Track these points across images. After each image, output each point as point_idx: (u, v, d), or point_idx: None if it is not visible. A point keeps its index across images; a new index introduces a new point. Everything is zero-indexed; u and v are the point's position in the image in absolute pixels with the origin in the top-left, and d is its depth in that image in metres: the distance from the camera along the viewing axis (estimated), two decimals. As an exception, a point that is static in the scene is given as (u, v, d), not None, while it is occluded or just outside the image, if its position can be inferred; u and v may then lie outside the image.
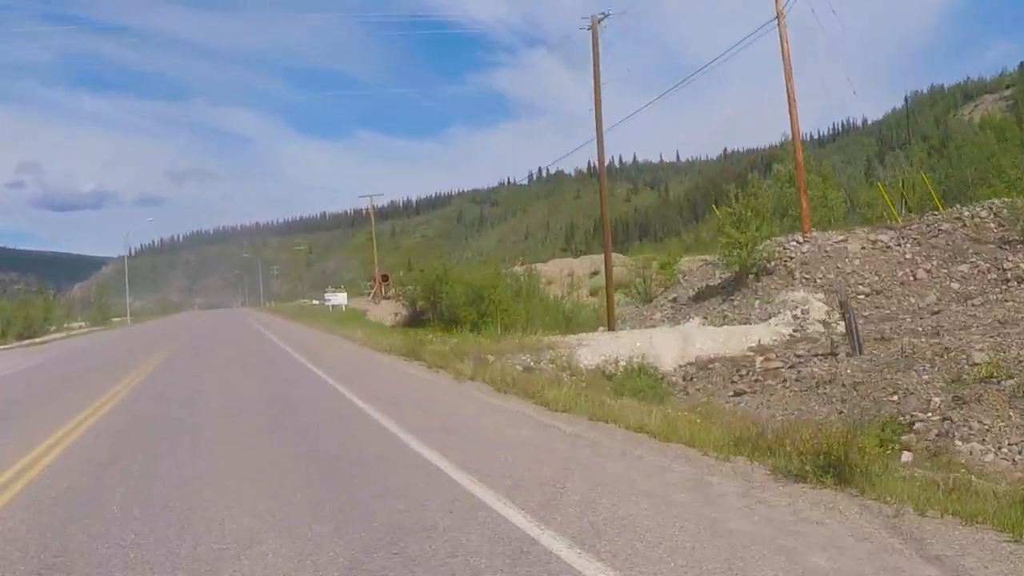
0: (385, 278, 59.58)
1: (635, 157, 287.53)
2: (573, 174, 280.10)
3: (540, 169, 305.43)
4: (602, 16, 26.57)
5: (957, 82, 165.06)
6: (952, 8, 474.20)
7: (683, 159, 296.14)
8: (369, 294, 60.02)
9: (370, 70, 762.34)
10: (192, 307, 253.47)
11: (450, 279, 31.47)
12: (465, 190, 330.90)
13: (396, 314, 36.19)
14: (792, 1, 46.69)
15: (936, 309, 20.34)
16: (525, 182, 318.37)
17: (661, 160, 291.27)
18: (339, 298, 58.29)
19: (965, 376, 12.08)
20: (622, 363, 15.86)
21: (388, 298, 57.69)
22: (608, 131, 30.95)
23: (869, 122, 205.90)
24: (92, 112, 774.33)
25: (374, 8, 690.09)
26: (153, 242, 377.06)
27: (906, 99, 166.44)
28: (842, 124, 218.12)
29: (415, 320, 33.64)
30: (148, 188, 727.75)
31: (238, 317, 58.57)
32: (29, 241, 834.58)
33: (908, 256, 24.65)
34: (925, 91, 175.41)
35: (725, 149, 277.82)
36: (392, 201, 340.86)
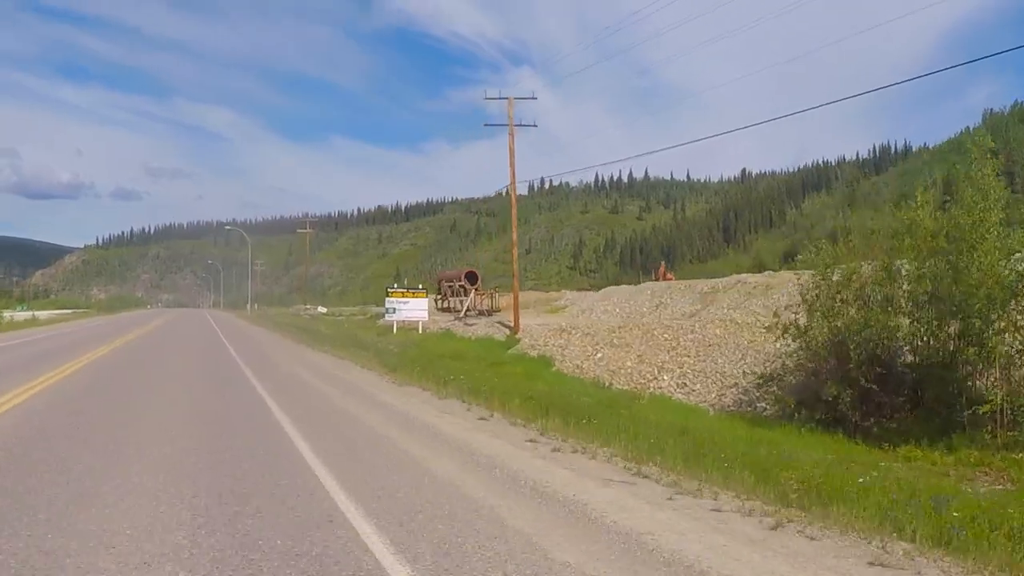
0: (473, 277, 39.51)
1: (647, 172, 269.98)
2: (579, 186, 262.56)
3: (543, 180, 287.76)
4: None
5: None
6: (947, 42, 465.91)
7: (694, 178, 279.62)
8: (450, 307, 39.34)
9: (351, 79, 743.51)
10: (157, 304, 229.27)
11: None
12: (459, 198, 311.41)
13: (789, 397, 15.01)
14: None
15: None
16: (525, 193, 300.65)
17: (672, 177, 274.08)
18: (415, 309, 32.53)
19: None
20: None
21: (483, 312, 37.63)
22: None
23: (928, 144, 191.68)
24: (73, 103, 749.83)
25: (358, 18, 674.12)
26: (123, 233, 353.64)
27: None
28: (896, 145, 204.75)
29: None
30: (124, 182, 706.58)
31: (219, 341, 31.05)
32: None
33: None
34: (1004, 110, 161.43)
35: (744, 170, 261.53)
36: (379, 205, 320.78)
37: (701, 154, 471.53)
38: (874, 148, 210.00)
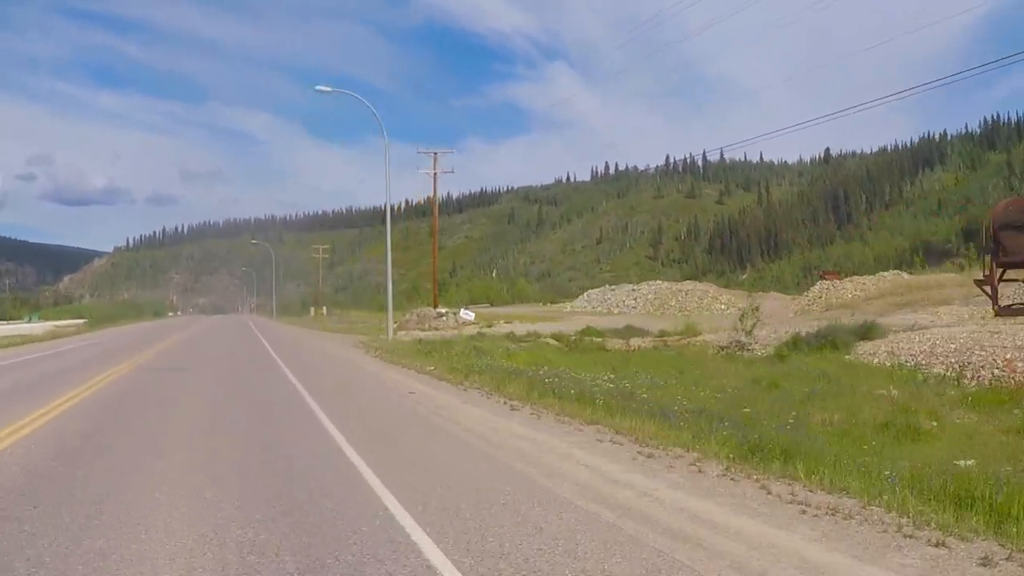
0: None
1: (722, 154, 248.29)
2: (648, 170, 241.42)
3: (607, 165, 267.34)
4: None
5: None
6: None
7: (767, 159, 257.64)
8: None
9: (385, 77, 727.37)
10: (189, 309, 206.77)
11: None
12: (516, 187, 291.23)
13: None
14: None
15: None
16: (587, 179, 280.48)
17: (745, 158, 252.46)
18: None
19: None
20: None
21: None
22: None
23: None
24: (106, 108, 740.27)
25: (392, 16, 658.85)
26: (155, 233, 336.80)
27: None
28: (993, 118, 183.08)
29: None
30: (160, 187, 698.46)
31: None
32: (33, 234, 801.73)
33: None
34: None
35: (827, 150, 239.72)
36: (428, 196, 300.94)
37: (776, 135, 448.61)
38: (984, 121, 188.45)
